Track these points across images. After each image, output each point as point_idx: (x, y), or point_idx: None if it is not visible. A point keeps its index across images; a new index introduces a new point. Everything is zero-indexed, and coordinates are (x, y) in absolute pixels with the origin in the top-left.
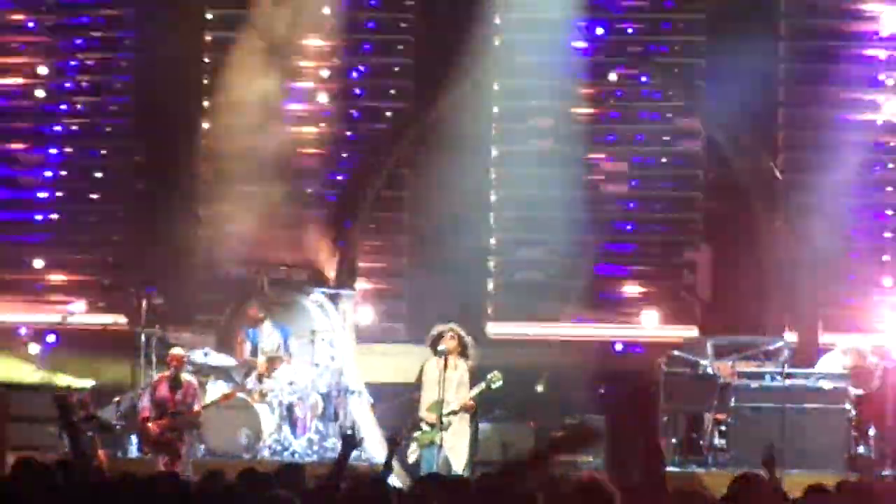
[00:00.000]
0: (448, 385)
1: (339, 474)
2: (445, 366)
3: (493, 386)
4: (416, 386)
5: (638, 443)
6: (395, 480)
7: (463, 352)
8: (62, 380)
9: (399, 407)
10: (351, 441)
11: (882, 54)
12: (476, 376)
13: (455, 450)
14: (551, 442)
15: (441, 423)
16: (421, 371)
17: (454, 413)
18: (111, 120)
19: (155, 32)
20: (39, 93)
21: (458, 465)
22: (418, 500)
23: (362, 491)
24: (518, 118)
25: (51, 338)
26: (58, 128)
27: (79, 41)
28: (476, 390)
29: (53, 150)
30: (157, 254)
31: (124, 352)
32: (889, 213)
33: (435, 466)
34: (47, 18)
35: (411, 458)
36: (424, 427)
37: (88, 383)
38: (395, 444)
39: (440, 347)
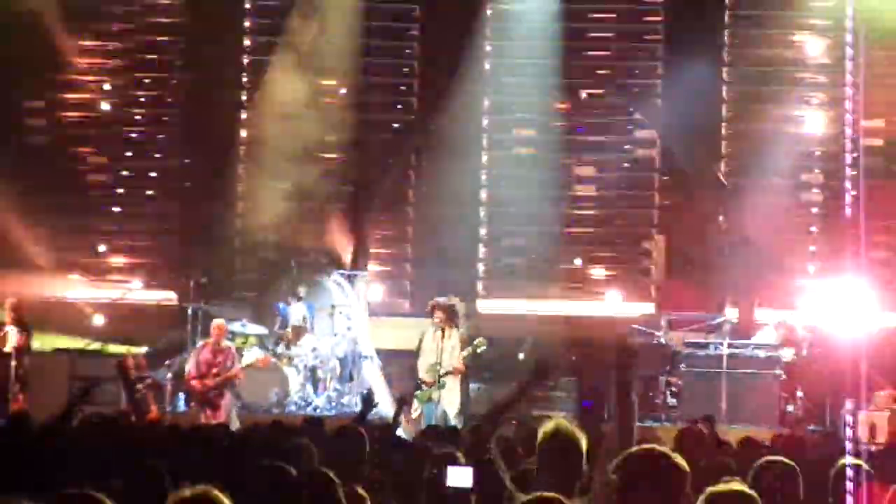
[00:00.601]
0: (443, 351)
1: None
2: (443, 335)
3: (479, 350)
4: (416, 352)
5: (609, 398)
6: (402, 432)
7: (452, 322)
8: (116, 348)
9: (404, 370)
10: (369, 401)
11: (809, 77)
12: (467, 343)
13: (451, 405)
14: (520, 388)
15: (438, 382)
16: (420, 339)
17: (448, 374)
18: (164, 128)
19: (199, 56)
20: (104, 106)
21: (452, 416)
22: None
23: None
24: (504, 129)
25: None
26: (120, 135)
27: (135, 62)
28: (464, 353)
29: (115, 155)
30: (202, 241)
31: (174, 323)
32: (814, 210)
33: (433, 419)
34: (111, 43)
35: (414, 414)
36: (424, 387)
37: (143, 349)
38: (402, 402)
39: (435, 320)
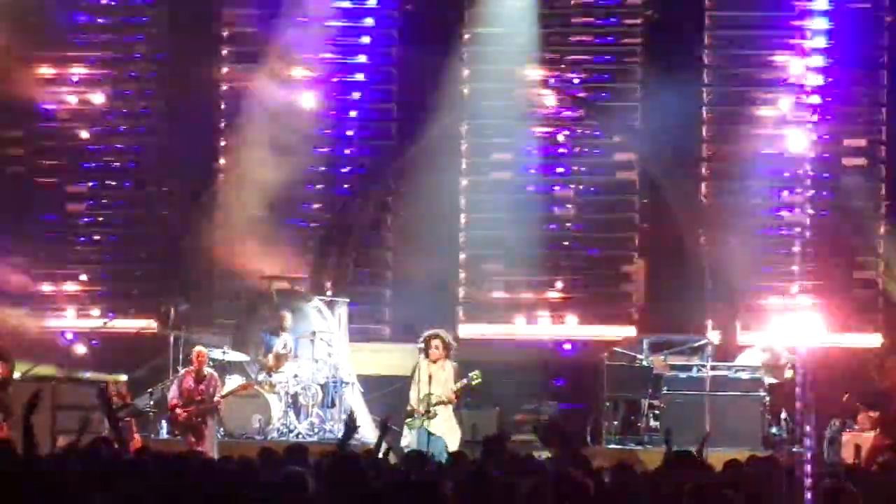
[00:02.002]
0: (435, 381)
1: (341, 452)
2: (433, 364)
3: (474, 383)
4: (410, 381)
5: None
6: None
7: (448, 354)
8: (98, 376)
9: (385, 395)
10: (352, 427)
11: (787, 98)
12: (461, 375)
13: (448, 434)
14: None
15: (428, 412)
16: (415, 368)
17: (442, 403)
18: (142, 157)
19: (177, 85)
20: (84, 134)
21: (453, 445)
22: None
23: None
24: (483, 153)
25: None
26: (99, 164)
27: (113, 91)
28: (458, 385)
29: (94, 184)
30: (183, 269)
31: (156, 350)
32: (796, 230)
33: (416, 445)
34: (89, 72)
35: (404, 442)
36: (415, 415)
37: (125, 376)
38: (386, 428)
39: (430, 351)
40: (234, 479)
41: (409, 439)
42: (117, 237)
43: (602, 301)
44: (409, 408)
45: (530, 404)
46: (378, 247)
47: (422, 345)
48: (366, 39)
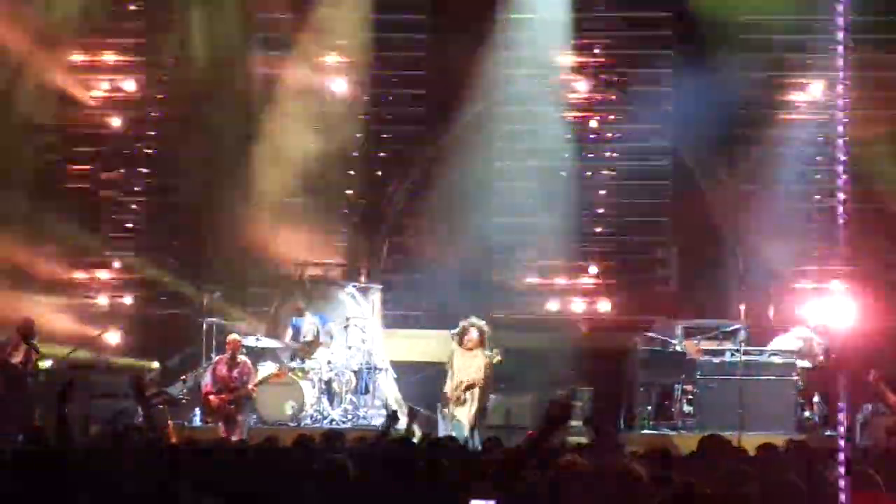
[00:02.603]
0: (468, 370)
1: (382, 439)
2: (468, 352)
3: (494, 361)
4: (446, 369)
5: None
6: None
7: (483, 342)
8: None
9: (419, 381)
10: (393, 416)
11: (820, 85)
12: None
13: (466, 419)
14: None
15: (459, 399)
16: (451, 356)
17: (469, 388)
18: (175, 143)
19: (209, 71)
20: (116, 121)
21: (466, 429)
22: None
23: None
24: (516, 140)
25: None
26: (131, 151)
27: (147, 78)
28: (485, 365)
29: (126, 171)
30: (216, 256)
31: (189, 338)
32: (828, 214)
33: (452, 432)
34: (122, 59)
35: (441, 434)
36: (451, 405)
37: (158, 364)
38: (415, 414)
39: (465, 339)
40: (273, 467)
41: (446, 430)
42: (150, 224)
43: (635, 286)
44: (443, 397)
45: (564, 390)
46: (412, 232)
47: (457, 334)
48: (399, 24)
